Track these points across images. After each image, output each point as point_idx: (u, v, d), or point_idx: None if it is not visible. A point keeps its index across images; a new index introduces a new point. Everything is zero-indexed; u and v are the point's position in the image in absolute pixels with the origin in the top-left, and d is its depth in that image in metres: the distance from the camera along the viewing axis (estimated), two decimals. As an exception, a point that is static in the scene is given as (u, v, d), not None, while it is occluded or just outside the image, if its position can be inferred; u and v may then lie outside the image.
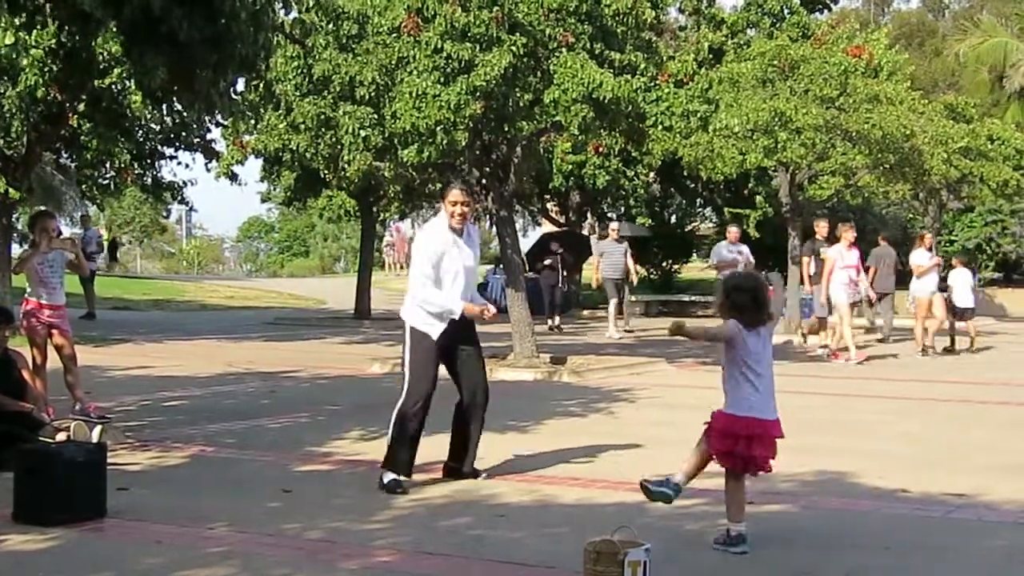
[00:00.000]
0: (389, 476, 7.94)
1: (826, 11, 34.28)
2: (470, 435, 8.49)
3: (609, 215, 38.50)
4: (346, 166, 16.47)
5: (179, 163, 23.48)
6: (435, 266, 8.12)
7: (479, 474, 8.44)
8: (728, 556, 6.19)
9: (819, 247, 19.56)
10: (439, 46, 14.61)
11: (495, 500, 7.66)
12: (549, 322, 26.03)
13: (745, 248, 21.63)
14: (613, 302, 23.99)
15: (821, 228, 20.55)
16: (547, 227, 52.88)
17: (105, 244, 36.80)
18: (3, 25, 10.52)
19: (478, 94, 14.56)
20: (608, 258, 24.14)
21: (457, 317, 8.21)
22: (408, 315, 8.31)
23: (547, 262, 27.67)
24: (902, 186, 27.28)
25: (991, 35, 43.19)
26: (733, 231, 21.94)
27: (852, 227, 19.39)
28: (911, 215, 36.13)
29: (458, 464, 8.46)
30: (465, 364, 8.54)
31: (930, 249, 19.53)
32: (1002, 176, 27.18)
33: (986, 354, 18.21)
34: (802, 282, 20.97)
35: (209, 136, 22.74)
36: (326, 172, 19.05)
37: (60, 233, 11.68)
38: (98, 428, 7.97)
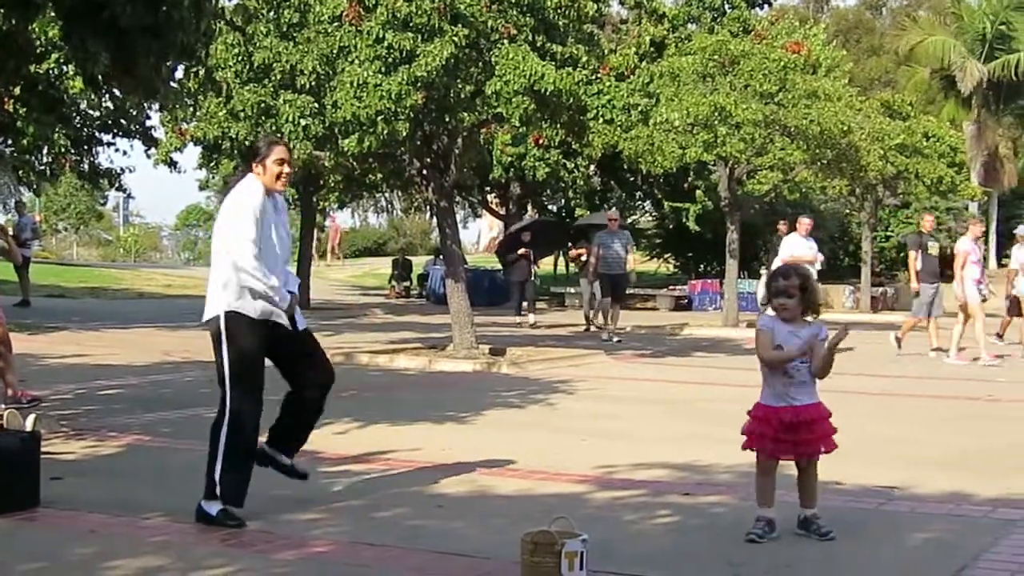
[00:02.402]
0: (219, 506, 6.72)
1: (766, 6, 34.57)
2: None
3: (549, 207, 38.65)
4: (286, 155, 16.40)
5: (117, 150, 23.32)
6: (257, 229, 6.73)
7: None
8: (665, 547, 6.23)
9: (926, 241, 18.51)
10: (380, 36, 14.58)
11: (433, 490, 7.66)
12: (523, 318, 24.50)
13: (814, 242, 19.73)
14: (606, 300, 21.34)
15: (928, 222, 19.40)
16: (487, 218, 53.01)
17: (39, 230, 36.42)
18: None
19: (419, 84, 14.54)
20: (605, 251, 21.23)
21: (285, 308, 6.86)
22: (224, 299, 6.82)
23: (520, 252, 25.68)
24: (839, 182, 27.60)
25: (929, 33, 43.65)
26: (805, 222, 19.89)
27: (982, 220, 18.87)
28: (848, 211, 36.51)
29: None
30: None
31: None
32: (937, 173, 27.58)
33: (916, 347, 18.41)
34: (910, 279, 19.12)
35: (148, 123, 22.58)
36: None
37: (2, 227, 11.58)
38: (32, 416, 7.89)
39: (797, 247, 19.00)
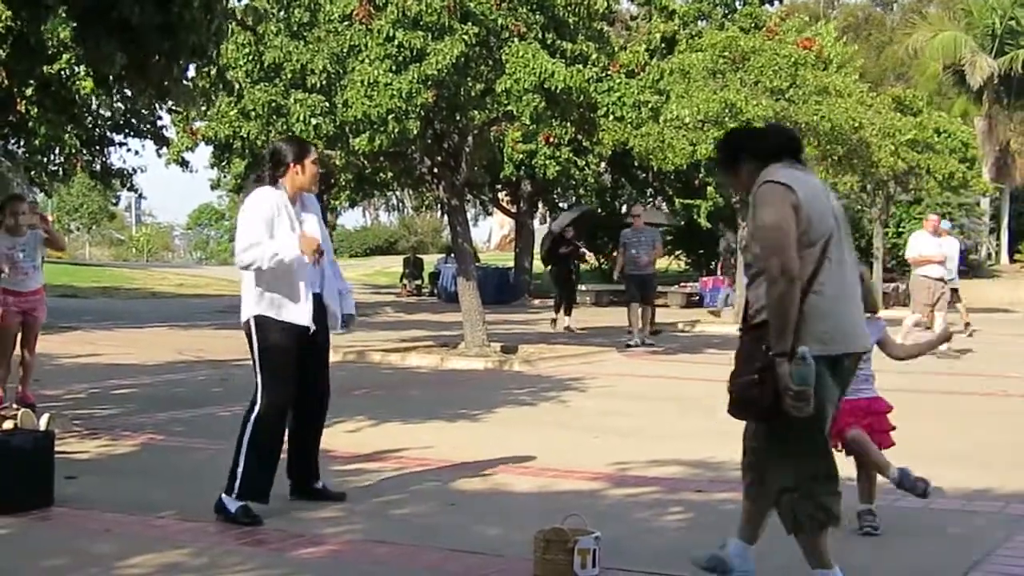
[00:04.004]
0: (238, 503, 6.78)
1: (777, 3, 34.50)
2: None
3: (561, 204, 38.64)
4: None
5: (129, 150, 23.37)
6: (268, 229, 6.82)
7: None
8: (678, 544, 6.23)
9: None
10: (391, 34, 14.60)
11: (446, 488, 7.67)
12: (563, 321, 22.74)
13: (942, 240, 18.12)
14: (634, 305, 19.58)
15: None
16: (498, 216, 53.00)
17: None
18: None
19: (430, 83, 14.56)
20: (632, 250, 19.65)
21: (287, 259, 6.77)
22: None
23: (562, 251, 23.88)
24: (850, 178, 27.52)
25: (940, 29, 43.54)
26: (933, 218, 18.48)
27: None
28: (859, 207, 36.43)
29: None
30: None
31: None
32: (948, 169, 27.49)
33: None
34: None
35: (159, 123, 22.62)
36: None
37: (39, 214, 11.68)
38: (46, 416, 7.91)
39: (927, 246, 17.70)
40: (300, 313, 6.90)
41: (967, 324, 20.51)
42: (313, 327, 6.95)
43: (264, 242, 6.75)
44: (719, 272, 34.09)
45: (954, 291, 20.44)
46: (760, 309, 4.99)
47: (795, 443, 5.08)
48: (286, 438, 7.21)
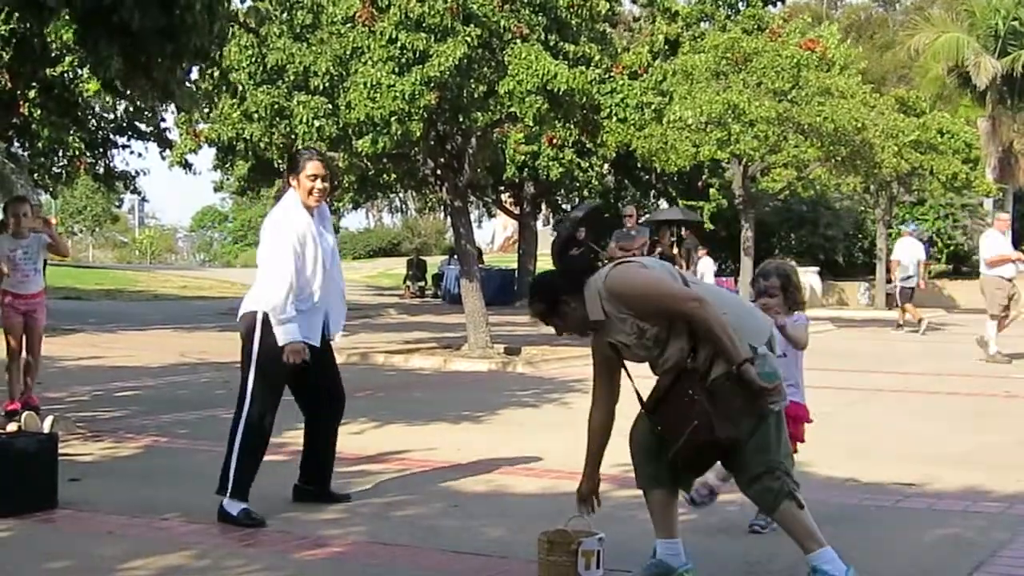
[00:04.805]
0: (240, 507, 6.77)
1: (780, 4, 34.48)
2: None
3: (564, 206, 38.62)
4: (300, 156, 16.44)
5: (132, 152, 23.43)
6: (298, 257, 6.82)
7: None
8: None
9: None
10: (394, 36, 14.61)
11: (449, 490, 7.67)
12: None
13: (917, 243, 17.77)
14: None
15: None
16: (501, 217, 52.96)
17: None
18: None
19: (432, 85, 14.56)
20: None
21: (283, 342, 6.80)
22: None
23: (574, 253, 23.48)
24: (853, 179, 27.52)
25: (942, 30, 43.47)
26: (1004, 217, 17.90)
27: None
28: (863, 208, 36.46)
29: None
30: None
31: None
32: (951, 169, 27.49)
33: (934, 345, 18.37)
34: None
35: (163, 125, 22.65)
36: (280, 162, 19.05)
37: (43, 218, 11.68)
38: (49, 418, 7.92)
39: (1005, 246, 17.20)
40: (315, 333, 7.00)
41: (920, 320, 21.63)
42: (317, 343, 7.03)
43: (290, 311, 6.75)
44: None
45: (912, 290, 21.39)
46: (702, 350, 5.29)
47: (764, 436, 5.23)
48: (301, 441, 7.31)
